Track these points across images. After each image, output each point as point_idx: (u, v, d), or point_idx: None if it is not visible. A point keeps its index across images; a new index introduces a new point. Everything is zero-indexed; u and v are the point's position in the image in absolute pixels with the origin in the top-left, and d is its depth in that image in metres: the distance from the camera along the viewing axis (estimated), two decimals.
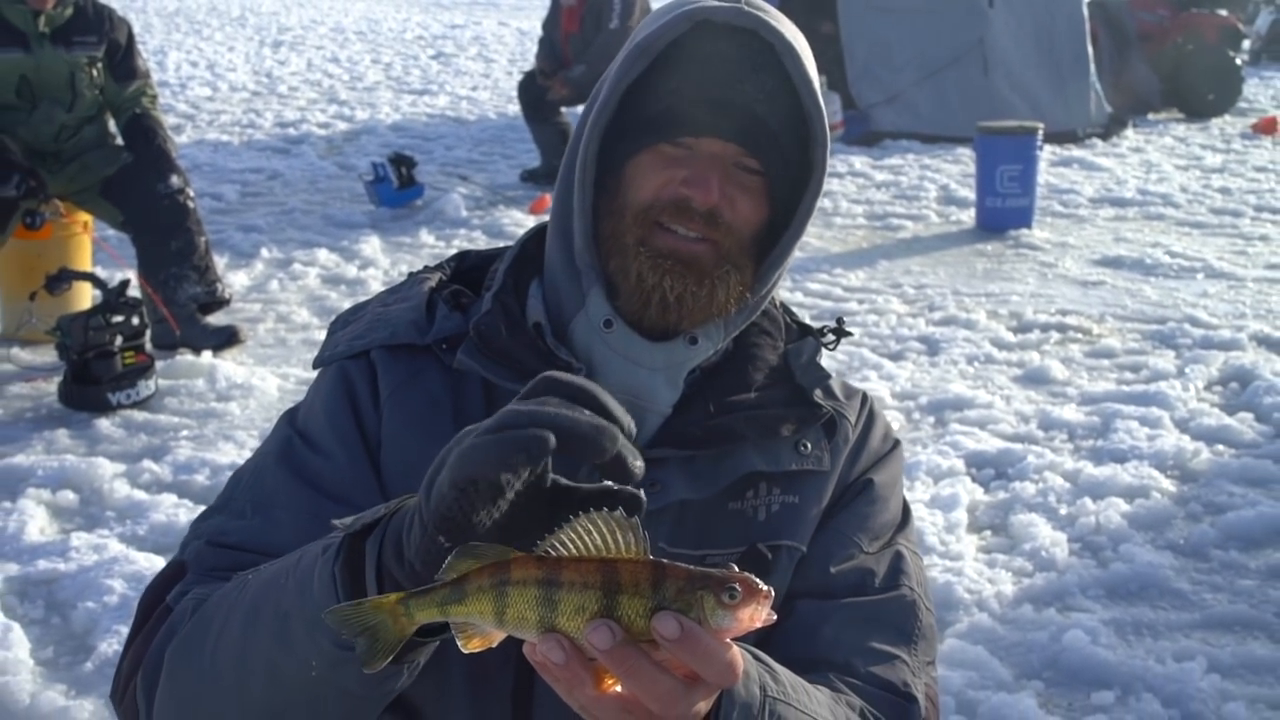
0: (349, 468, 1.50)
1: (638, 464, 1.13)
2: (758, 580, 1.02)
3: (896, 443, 1.68)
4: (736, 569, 1.03)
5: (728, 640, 1.03)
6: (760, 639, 1.36)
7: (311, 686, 1.21)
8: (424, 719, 1.52)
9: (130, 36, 6.47)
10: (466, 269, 1.69)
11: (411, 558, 1.14)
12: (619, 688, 1.04)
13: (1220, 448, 5.54)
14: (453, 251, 1.82)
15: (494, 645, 1.07)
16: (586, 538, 1.02)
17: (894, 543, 1.59)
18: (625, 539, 1.02)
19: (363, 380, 1.55)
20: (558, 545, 1.03)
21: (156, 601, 1.45)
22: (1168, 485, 5.14)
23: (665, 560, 1.03)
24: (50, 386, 5.73)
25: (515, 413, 1.11)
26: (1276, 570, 4.48)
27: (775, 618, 1.05)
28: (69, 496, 4.68)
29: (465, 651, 1.08)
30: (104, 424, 5.38)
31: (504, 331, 1.52)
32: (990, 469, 5.23)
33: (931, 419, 5.80)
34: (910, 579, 1.57)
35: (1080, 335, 7.19)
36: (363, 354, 1.56)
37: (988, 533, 4.75)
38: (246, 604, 1.29)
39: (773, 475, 1.53)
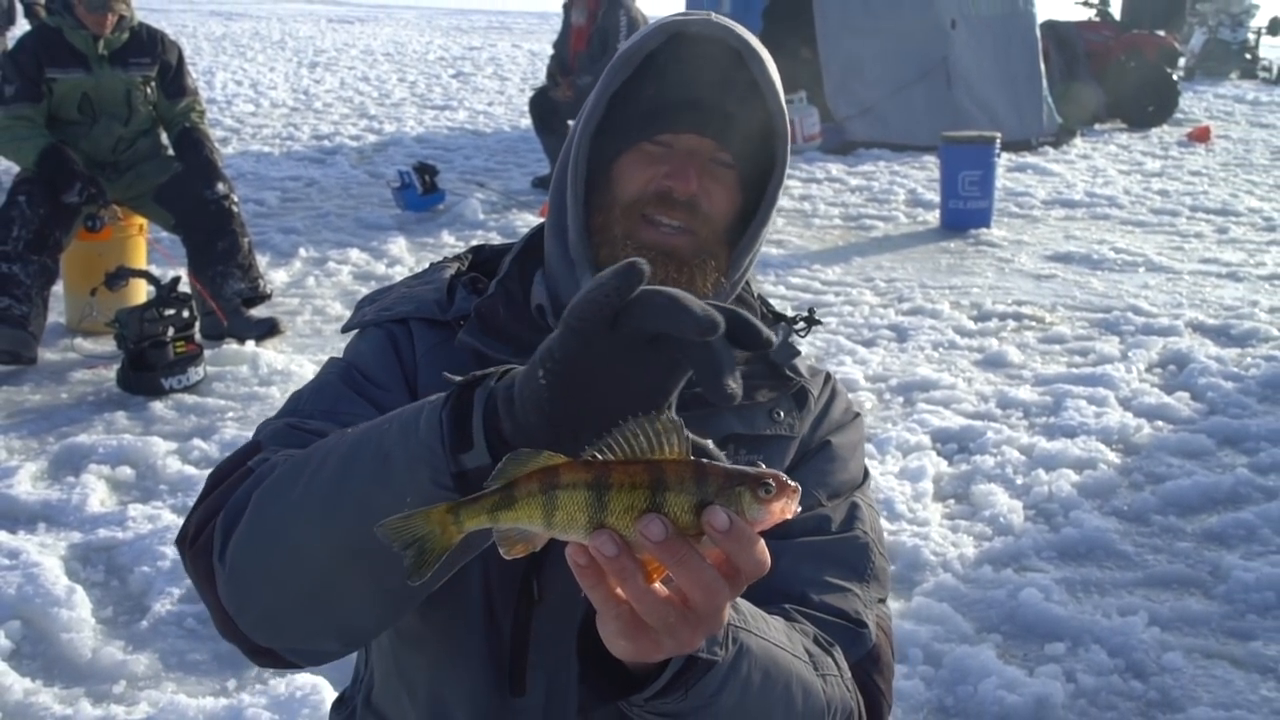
0: (404, 400, 1.45)
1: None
2: (787, 477, 0.99)
3: (857, 414, 1.66)
4: (764, 466, 1.01)
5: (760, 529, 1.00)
6: None
7: None
8: (429, 647, 1.51)
9: (180, 58, 6.44)
10: (482, 260, 1.68)
11: (517, 396, 1.08)
12: (658, 585, 1.00)
13: (1160, 424, 5.53)
14: None
15: (536, 550, 1.02)
16: (633, 440, 0.98)
17: (851, 497, 1.56)
18: (669, 441, 0.98)
19: (404, 339, 1.54)
20: (604, 449, 0.99)
21: (231, 471, 1.38)
22: (1113, 458, 5.12)
23: (705, 460, 1.00)
24: (110, 373, 5.70)
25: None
26: (1210, 533, 4.47)
27: (801, 510, 1.02)
28: (126, 472, 4.66)
29: (508, 557, 1.03)
30: (158, 407, 5.36)
31: (502, 312, 1.52)
32: (954, 444, 5.22)
33: (900, 399, 5.79)
34: (865, 524, 1.54)
35: (1034, 323, 7.17)
36: (402, 320, 1.55)
37: (951, 501, 4.73)
38: (344, 449, 1.22)
39: (745, 437, 1.52)
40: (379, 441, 1.18)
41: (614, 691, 1.16)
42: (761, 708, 1.24)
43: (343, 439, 1.25)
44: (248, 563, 1.27)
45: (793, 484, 1.00)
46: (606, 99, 1.51)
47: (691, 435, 1.01)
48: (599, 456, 0.99)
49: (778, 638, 1.29)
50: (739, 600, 1.25)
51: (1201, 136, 14.55)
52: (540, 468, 1.00)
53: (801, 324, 1.65)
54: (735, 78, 1.49)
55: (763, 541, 1.01)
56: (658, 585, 1.00)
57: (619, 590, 1.01)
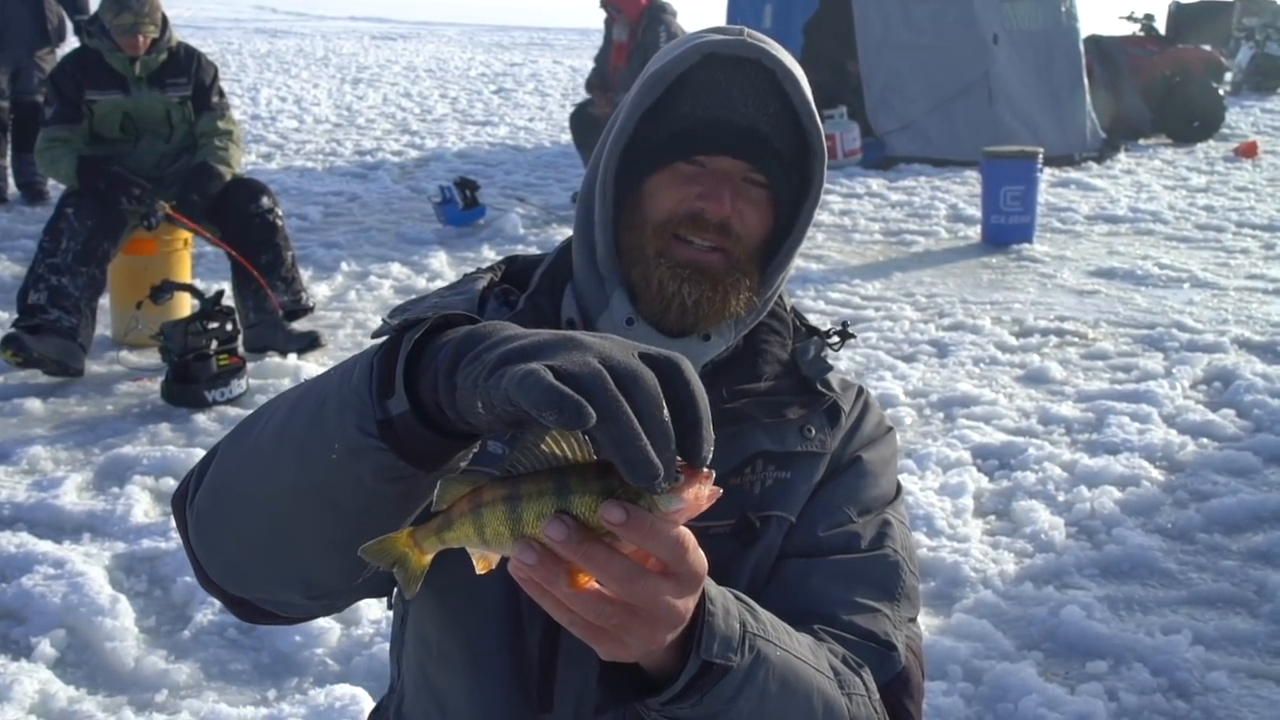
0: None
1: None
2: (698, 464, 0.98)
3: (890, 429, 1.65)
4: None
5: (678, 521, 0.98)
6: (751, 597, 1.33)
7: (331, 470, 1.12)
8: (456, 663, 1.51)
9: (215, 77, 6.49)
10: (515, 271, 1.68)
11: (461, 385, 1.02)
12: (593, 584, 1.00)
13: (1205, 441, 5.47)
14: None
15: (494, 566, 1.04)
16: (535, 450, 0.99)
17: (882, 513, 1.55)
18: (571, 447, 0.98)
19: None
20: (515, 464, 1.00)
21: None
22: (1157, 475, 5.08)
23: (608, 459, 0.98)
24: (154, 385, 5.78)
25: (596, 373, 0.95)
26: (1256, 552, 4.42)
27: (721, 492, 1.00)
28: (170, 483, 4.70)
29: (479, 572, 1.05)
30: (201, 419, 5.42)
31: (530, 327, 1.52)
32: (994, 460, 5.19)
33: (941, 415, 5.76)
34: (895, 543, 1.53)
35: (1077, 339, 7.11)
36: None
37: (992, 517, 4.70)
38: (295, 395, 1.23)
39: (774, 454, 1.51)
40: (322, 387, 1.17)
41: (631, 693, 1.17)
42: (779, 718, 1.24)
43: (297, 388, 1.25)
44: (210, 509, 1.29)
45: (705, 470, 0.98)
46: (637, 118, 1.51)
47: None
48: (513, 472, 1.01)
49: (800, 651, 1.28)
50: (760, 610, 1.25)
51: (1248, 152, 14.39)
52: (472, 488, 1.02)
53: (835, 338, 1.64)
54: (770, 99, 1.49)
55: (680, 530, 0.99)
56: (591, 584, 1.00)
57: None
